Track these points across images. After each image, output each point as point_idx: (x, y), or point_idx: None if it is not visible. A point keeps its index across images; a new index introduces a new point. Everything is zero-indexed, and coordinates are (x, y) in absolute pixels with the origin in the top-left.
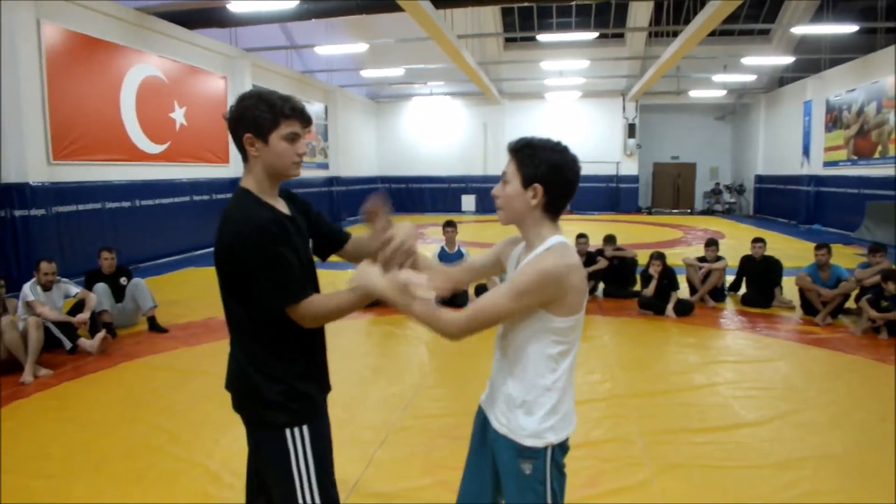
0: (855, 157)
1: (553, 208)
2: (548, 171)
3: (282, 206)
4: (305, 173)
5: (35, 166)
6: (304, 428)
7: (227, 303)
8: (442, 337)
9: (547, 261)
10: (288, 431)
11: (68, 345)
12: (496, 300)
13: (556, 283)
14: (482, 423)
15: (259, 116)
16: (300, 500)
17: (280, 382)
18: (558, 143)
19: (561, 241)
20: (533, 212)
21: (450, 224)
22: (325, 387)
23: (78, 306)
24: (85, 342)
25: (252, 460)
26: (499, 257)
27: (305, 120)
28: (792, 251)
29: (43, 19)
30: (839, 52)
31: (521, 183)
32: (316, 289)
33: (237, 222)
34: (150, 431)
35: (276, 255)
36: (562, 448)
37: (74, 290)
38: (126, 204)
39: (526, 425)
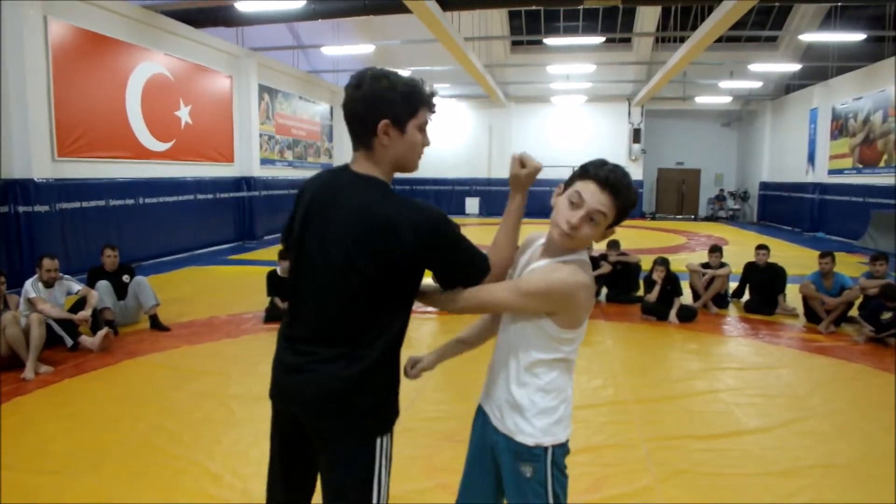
0: (860, 166)
1: None
2: (629, 208)
3: None
4: (310, 173)
5: (40, 162)
6: (388, 437)
7: (361, 308)
8: (443, 309)
9: (558, 274)
10: (379, 439)
11: (70, 342)
12: (499, 290)
13: (561, 299)
14: (482, 423)
15: (398, 101)
16: None
17: (385, 390)
18: (628, 174)
19: (581, 259)
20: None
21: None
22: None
23: (80, 303)
24: (86, 339)
25: (302, 474)
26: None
27: (434, 108)
28: (796, 259)
29: (50, 16)
30: (846, 60)
31: (610, 224)
32: None
33: (403, 215)
34: (151, 430)
35: (459, 235)
36: (562, 449)
37: (77, 287)
38: (130, 201)
39: (524, 427)
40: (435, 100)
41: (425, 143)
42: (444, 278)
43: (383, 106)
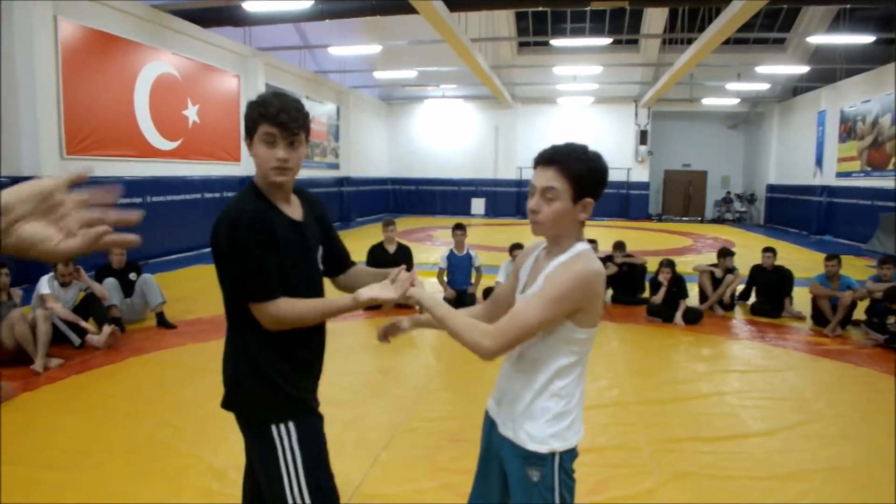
0: (868, 169)
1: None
2: (598, 184)
3: (291, 208)
4: (315, 173)
5: (48, 160)
6: (290, 424)
7: (226, 294)
8: (479, 355)
9: (579, 265)
10: (274, 428)
11: (77, 341)
12: (529, 312)
13: (588, 288)
14: (489, 428)
15: (248, 118)
16: (289, 498)
17: (267, 378)
18: (594, 152)
19: (587, 248)
20: (577, 226)
21: (459, 227)
22: (315, 383)
23: (87, 300)
24: (93, 337)
25: (246, 457)
26: (517, 273)
27: (281, 124)
28: (803, 262)
29: (60, 15)
30: (855, 63)
31: (571, 199)
32: (293, 293)
33: (225, 210)
34: (157, 426)
35: (247, 248)
36: (570, 454)
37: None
38: (137, 200)
39: (532, 431)
40: (273, 115)
41: (275, 156)
42: (222, 287)
43: (245, 122)
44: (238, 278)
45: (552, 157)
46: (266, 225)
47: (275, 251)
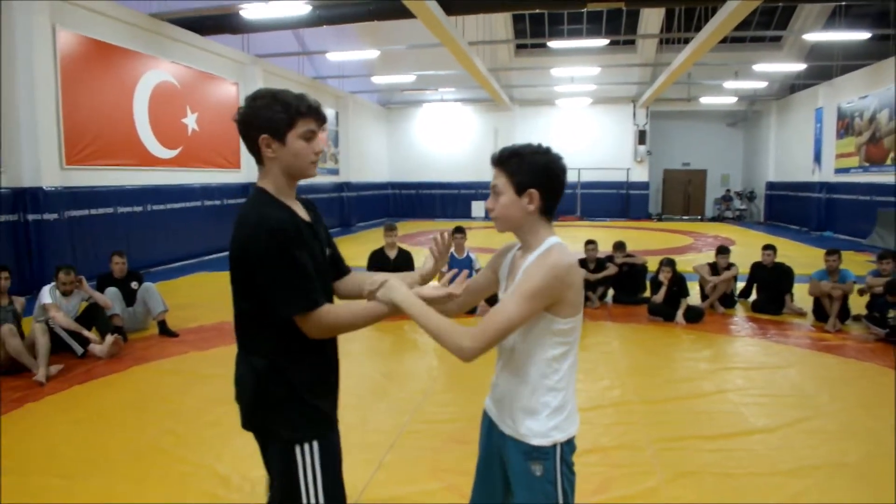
0: (867, 164)
1: (548, 209)
2: (540, 175)
3: (300, 210)
4: (315, 179)
5: (48, 170)
6: (315, 445)
7: (240, 308)
8: (459, 357)
9: (552, 258)
10: (297, 447)
11: (79, 350)
12: (507, 309)
13: (561, 280)
14: (488, 428)
15: (274, 116)
16: None
17: (292, 396)
18: (540, 146)
19: (558, 241)
20: (530, 217)
21: (459, 230)
22: (336, 400)
23: (90, 309)
24: (95, 346)
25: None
26: (494, 271)
27: (321, 118)
28: (803, 258)
29: (58, 25)
30: (851, 59)
31: (514, 191)
32: (329, 299)
33: (252, 223)
34: (160, 434)
35: (290, 258)
36: (570, 446)
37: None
38: (138, 208)
39: (533, 426)
40: (318, 110)
41: (314, 149)
42: (262, 298)
43: (260, 122)
44: (286, 291)
45: (496, 159)
46: (299, 230)
47: (311, 258)
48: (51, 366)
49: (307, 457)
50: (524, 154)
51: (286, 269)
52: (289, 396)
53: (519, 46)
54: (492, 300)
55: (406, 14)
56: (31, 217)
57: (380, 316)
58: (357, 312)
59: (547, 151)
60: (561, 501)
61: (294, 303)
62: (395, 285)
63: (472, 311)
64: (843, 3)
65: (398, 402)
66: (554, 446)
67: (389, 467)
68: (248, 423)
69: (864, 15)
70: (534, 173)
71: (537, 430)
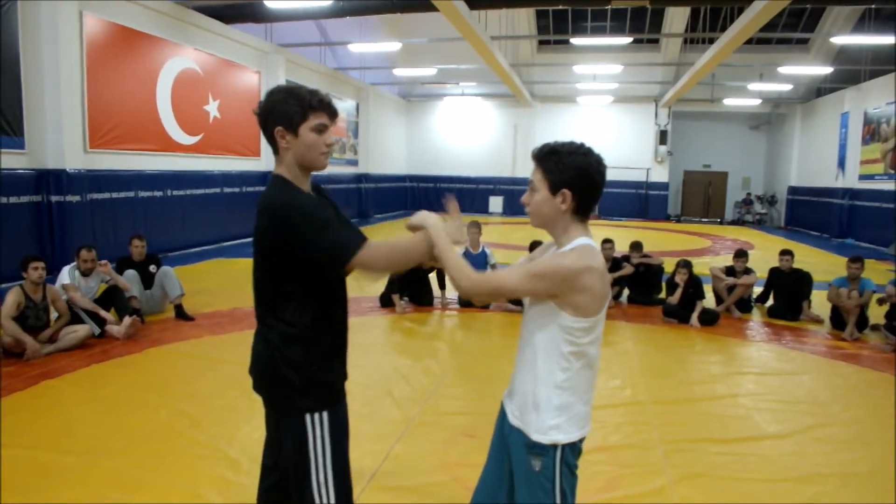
0: (892, 171)
1: (582, 210)
2: (575, 176)
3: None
4: (335, 169)
5: (72, 153)
6: (324, 415)
7: (263, 286)
8: (456, 289)
9: (567, 258)
10: (308, 416)
11: (97, 330)
12: (510, 274)
13: (567, 280)
14: (501, 417)
15: (289, 110)
16: (314, 484)
17: (305, 368)
18: (581, 146)
19: (587, 243)
20: (563, 216)
21: (474, 224)
22: (345, 373)
23: (110, 291)
24: (112, 327)
25: (269, 439)
26: None
27: (332, 112)
28: (823, 265)
29: (85, 11)
30: (880, 64)
31: (549, 190)
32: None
33: (281, 203)
34: (173, 416)
35: (325, 219)
36: (573, 449)
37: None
38: (158, 193)
39: (535, 420)
40: (329, 105)
41: (325, 141)
42: (307, 258)
43: (276, 115)
44: (335, 241)
45: (535, 155)
46: (321, 204)
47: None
48: (49, 345)
49: (317, 427)
50: (562, 153)
51: (325, 227)
52: (300, 367)
53: (541, 42)
54: (517, 300)
55: (429, 7)
56: (54, 198)
57: (419, 246)
58: (399, 241)
59: (587, 153)
60: (559, 501)
61: (347, 245)
62: (430, 214)
63: (486, 307)
64: (873, 7)
65: (408, 395)
66: (554, 446)
67: (398, 458)
68: (259, 388)
69: (894, 18)
70: (569, 174)
71: (537, 425)
